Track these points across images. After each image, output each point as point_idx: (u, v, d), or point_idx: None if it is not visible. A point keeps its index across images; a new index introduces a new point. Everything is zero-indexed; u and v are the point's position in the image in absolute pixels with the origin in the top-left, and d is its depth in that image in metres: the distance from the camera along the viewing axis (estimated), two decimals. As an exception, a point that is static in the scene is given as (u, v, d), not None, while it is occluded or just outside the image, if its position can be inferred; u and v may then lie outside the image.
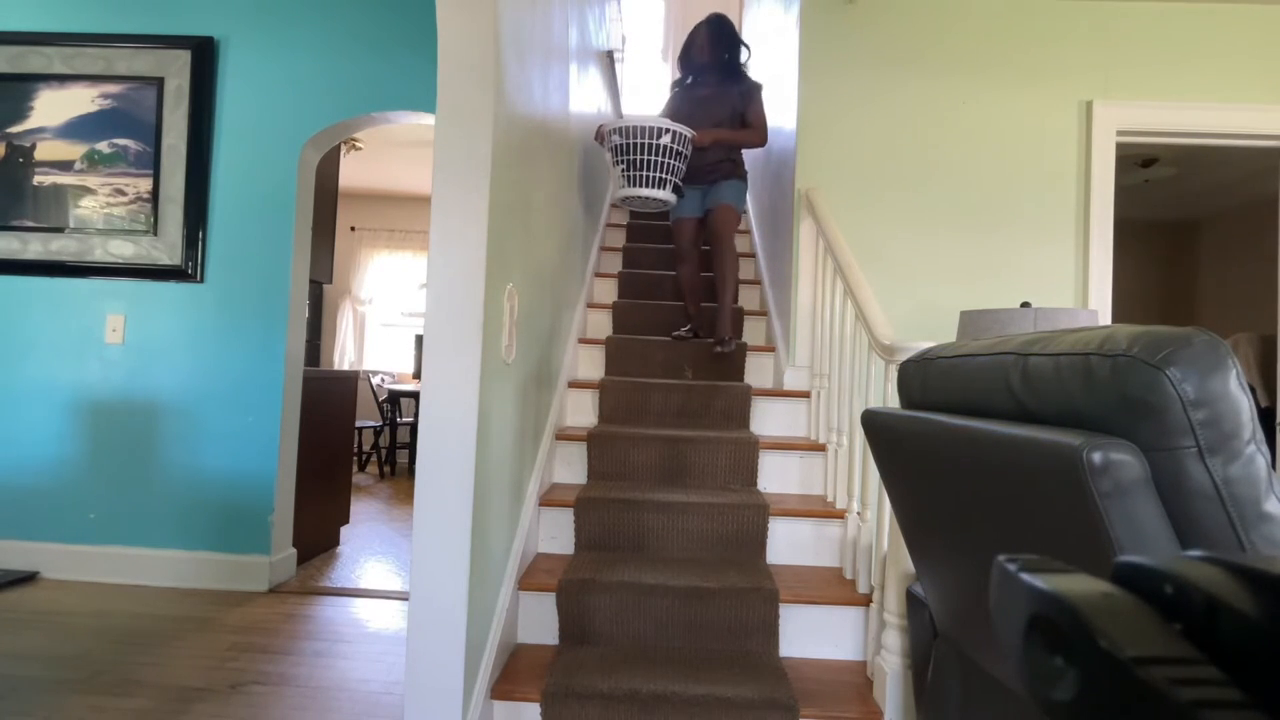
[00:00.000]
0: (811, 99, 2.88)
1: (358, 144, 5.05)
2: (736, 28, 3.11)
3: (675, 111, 3.04)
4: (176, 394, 2.81)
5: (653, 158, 2.69)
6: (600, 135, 2.80)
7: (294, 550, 2.94)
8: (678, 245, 3.06)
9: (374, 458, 5.99)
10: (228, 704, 1.84)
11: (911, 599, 1.54)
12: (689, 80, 3.11)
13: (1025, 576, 0.24)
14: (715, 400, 2.76)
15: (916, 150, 2.87)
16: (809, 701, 1.70)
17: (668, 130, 2.67)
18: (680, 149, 2.73)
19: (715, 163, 2.96)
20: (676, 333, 3.18)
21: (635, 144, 2.69)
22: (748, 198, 4.05)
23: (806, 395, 2.78)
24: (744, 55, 3.07)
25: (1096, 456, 0.76)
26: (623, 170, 2.75)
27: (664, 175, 2.74)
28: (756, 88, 2.94)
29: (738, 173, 3.01)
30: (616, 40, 4.56)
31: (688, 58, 3.10)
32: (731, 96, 2.95)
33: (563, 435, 2.54)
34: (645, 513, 2.20)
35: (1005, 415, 0.98)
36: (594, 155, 3.63)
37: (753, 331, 3.48)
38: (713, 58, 3.03)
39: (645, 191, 2.73)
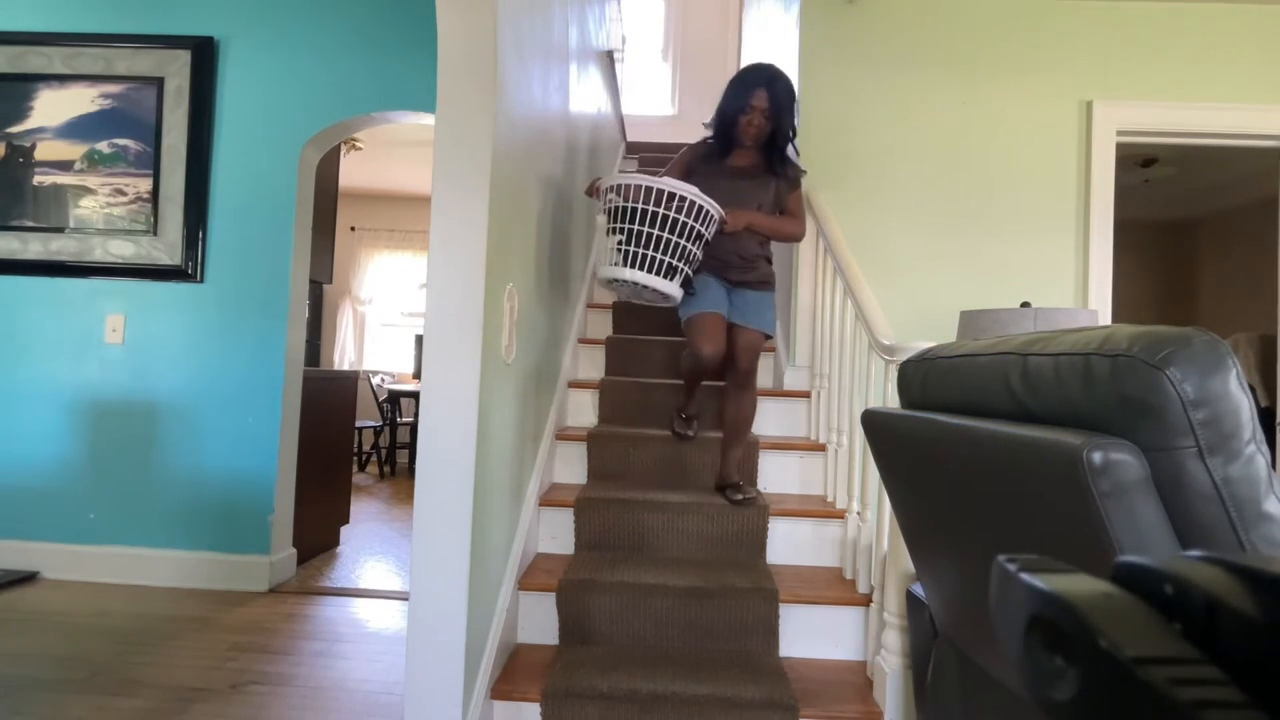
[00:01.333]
0: (811, 99, 2.88)
1: (358, 144, 5.05)
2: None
3: (705, 187, 2.11)
4: (176, 394, 2.81)
5: (665, 234, 1.94)
6: (595, 190, 2.11)
7: (294, 550, 2.94)
8: (695, 347, 2.15)
9: (374, 458, 5.99)
10: (228, 704, 1.83)
11: (911, 599, 1.54)
12: (724, 150, 2.27)
13: (1025, 576, 0.24)
14: (715, 400, 2.76)
15: (916, 150, 2.87)
16: (809, 701, 1.70)
17: (693, 203, 1.93)
18: (703, 229, 1.99)
19: (752, 258, 2.25)
20: (678, 430, 2.52)
21: (643, 211, 1.94)
22: None
23: (806, 395, 2.78)
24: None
25: (1096, 456, 0.76)
26: (619, 243, 1.98)
27: (675, 261, 1.98)
28: (801, 175, 2.31)
29: (772, 281, 2.32)
30: (616, 40, 4.57)
31: (732, 122, 2.20)
32: (775, 183, 2.25)
33: (563, 435, 2.54)
34: (645, 513, 2.20)
35: (1005, 415, 0.98)
36: (594, 155, 3.63)
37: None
38: (768, 129, 2.21)
39: (645, 278, 1.96)
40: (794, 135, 2.24)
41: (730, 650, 1.92)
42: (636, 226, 1.95)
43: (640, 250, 1.95)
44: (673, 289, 2.01)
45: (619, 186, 1.97)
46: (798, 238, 2.30)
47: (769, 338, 2.26)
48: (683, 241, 1.96)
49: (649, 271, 1.95)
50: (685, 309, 2.20)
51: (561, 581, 1.95)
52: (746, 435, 2.37)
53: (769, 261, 2.31)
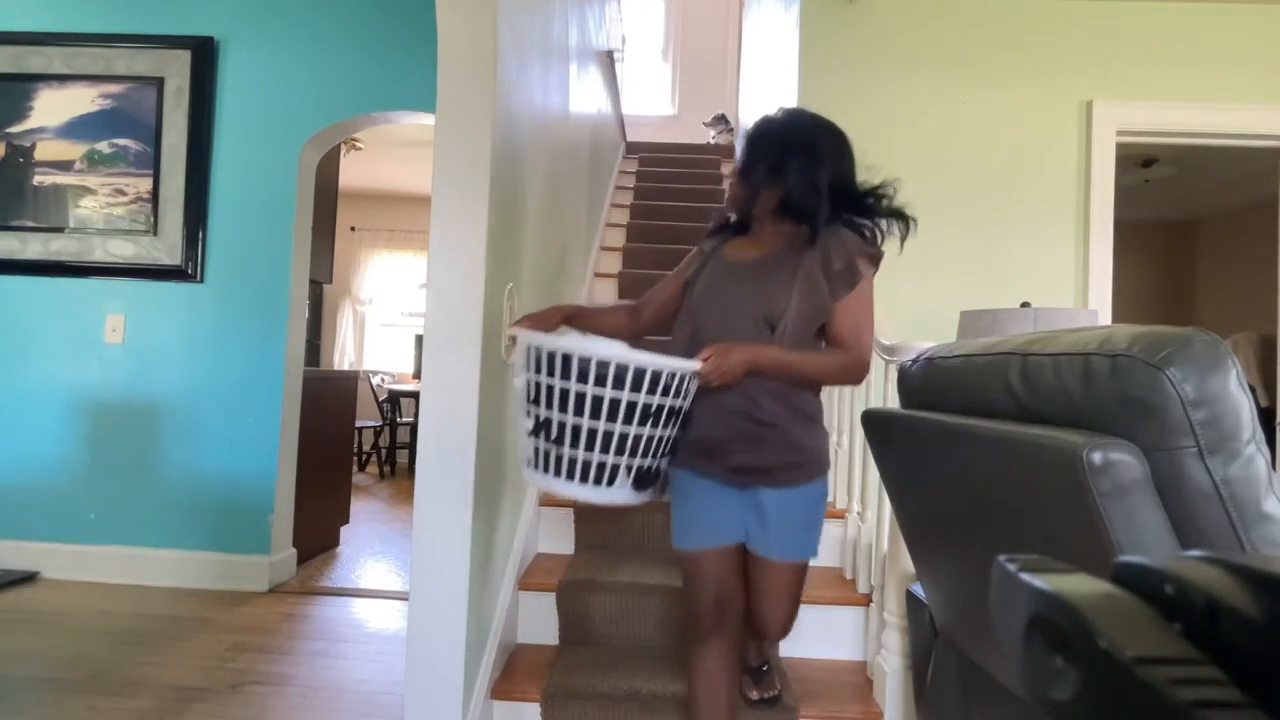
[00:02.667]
0: (811, 98, 2.88)
1: (358, 144, 5.05)
2: (824, 135, 1.41)
3: (703, 288, 1.39)
4: (176, 394, 2.81)
5: (596, 424, 1.19)
6: (515, 345, 1.33)
7: (294, 550, 2.94)
8: (691, 604, 1.39)
9: (374, 458, 5.99)
10: (228, 704, 1.83)
11: (911, 599, 1.54)
12: (739, 231, 1.46)
13: (1025, 576, 0.24)
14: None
15: (916, 150, 2.87)
16: (809, 701, 1.70)
17: (628, 368, 1.17)
18: (672, 403, 1.22)
19: (769, 422, 1.30)
20: (750, 696, 1.69)
21: (564, 390, 1.20)
22: None
23: (806, 395, 2.77)
24: (827, 177, 1.35)
25: (1096, 456, 0.76)
26: (541, 436, 1.24)
27: (613, 457, 1.22)
28: (866, 256, 1.33)
29: (820, 467, 1.37)
30: (616, 40, 4.57)
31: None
32: (808, 270, 1.32)
33: (563, 435, 2.53)
34: (646, 512, 2.20)
35: (1005, 415, 0.98)
36: (594, 155, 3.63)
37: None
38: (751, 196, 1.37)
39: (565, 486, 1.24)
40: (850, 197, 1.36)
41: (730, 650, 1.92)
42: (542, 412, 1.19)
43: (546, 446, 1.19)
44: (619, 495, 1.23)
45: (538, 351, 1.20)
46: (848, 377, 1.33)
47: (806, 560, 1.37)
48: (623, 429, 1.15)
49: (569, 479, 1.20)
50: (674, 534, 1.38)
51: (561, 581, 1.95)
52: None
53: (811, 419, 1.34)
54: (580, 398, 1.17)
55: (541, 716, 1.68)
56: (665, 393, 1.20)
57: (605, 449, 1.21)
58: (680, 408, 1.24)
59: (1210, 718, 0.18)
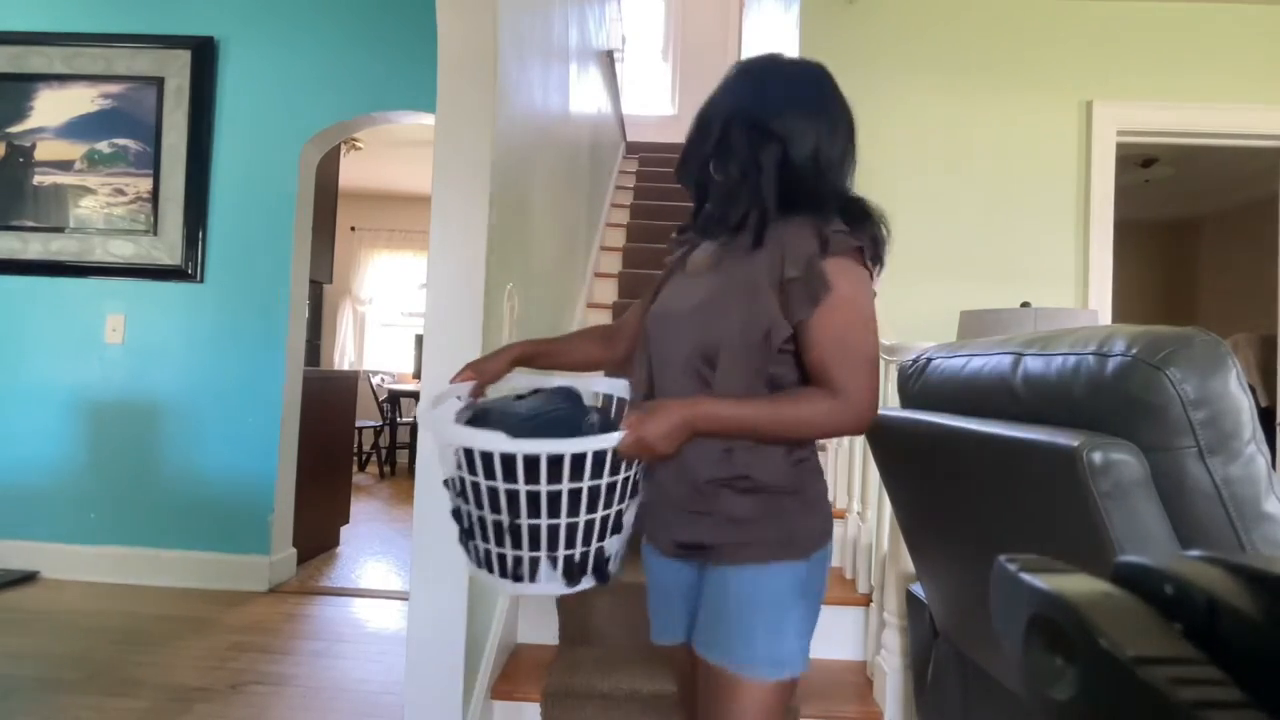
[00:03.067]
0: (811, 99, 2.88)
1: (358, 144, 5.05)
2: (789, 77, 1.04)
3: (655, 311, 1.06)
4: (176, 394, 2.81)
5: (499, 517, 0.93)
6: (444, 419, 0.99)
7: (294, 550, 2.94)
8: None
9: (374, 458, 5.99)
10: (228, 704, 1.83)
11: (911, 599, 1.54)
12: (691, 233, 1.12)
13: (1025, 576, 0.24)
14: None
15: (916, 150, 2.87)
16: (809, 701, 1.70)
17: (529, 459, 0.89)
18: (592, 484, 0.92)
19: (712, 489, 0.97)
20: None
21: (461, 477, 0.95)
22: None
23: (806, 395, 2.77)
24: (805, 146, 0.98)
25: (1097, 456, 0.76)
26: (455, 521, 1.00)
27: (535, 552, 0.95)
28: (831, 250, 0.92)
29: (787, 544, 0.97)
30: (616, 40, 4.57)
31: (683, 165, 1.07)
32: (749, 280, 0.95)
33: (563, 435, 2.53)
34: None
35: (1005, 415, 0.98)
36: (595, 155, 3.63)
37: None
38: (720, 162, 1.01)
39: (492, 580, 0.99)
40: (814, 174, 0.98)
41: (730, 650, 1.92)
42: (451, 497, 0.99)
43: (461, 534, 1.00)
44: (549, 588, 0.98)
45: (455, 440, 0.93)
46: (835, 427, 0.93)
47: (782, 682, 0.95)
48: (531, 522, 0.93)
49: (488, 570, 0.98)
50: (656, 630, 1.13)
51: (561, 581, 1.95)
52: None
53: (779, 491, 0.96)
54: (475, 487, 0.93)
55: (541, 716, 1.68)
56: (579, 476, 0.91)
57: (516, 543, 0.95)
58: (616, 484, 0.94)
59: (1210, 718, 0.18)
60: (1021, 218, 2.85)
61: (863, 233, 0.94)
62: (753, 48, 4.71)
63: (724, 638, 0.96)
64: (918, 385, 1.25)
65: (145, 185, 2.83)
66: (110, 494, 2.81)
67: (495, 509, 0.93)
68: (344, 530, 3.50)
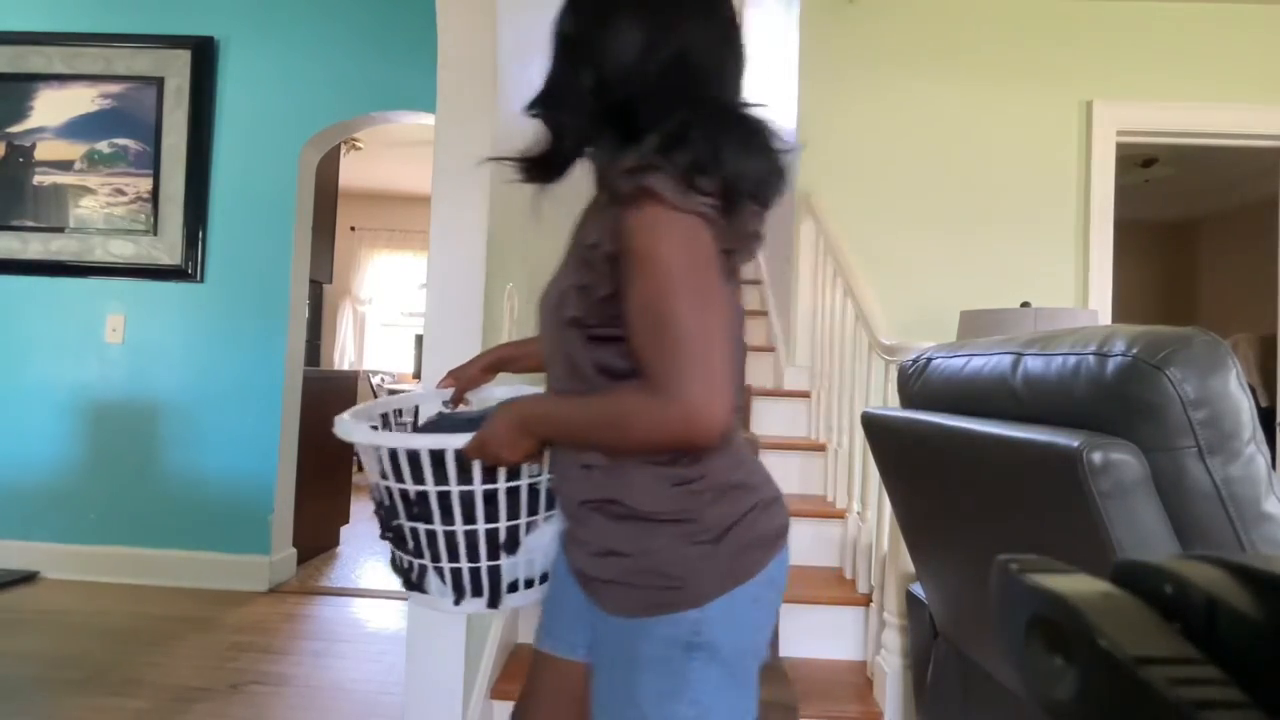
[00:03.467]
0: (811, 99, 2.88)
1: (358, 144, 5.05)
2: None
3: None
4: (176, 394, 2.81)
5: (401, 519, 0.91)
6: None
7: (294, 550, 2.94)
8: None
9: (374, 458, 6.00)
10: (228, 704, 1.83)
11: (911, 599, 1.54)
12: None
13: (1025, 576, 0.24)
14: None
15: (916, 150, 2.87)
16: (809, 701, 1.70)
17: (390, 453, 0.87)
18: (463, 489, 0.86)
19: (593, 544, 0.79)
20: None
21: (377, 485, 0.93)
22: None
23: (806, 395, 2.78)
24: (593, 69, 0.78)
25: (1096, 456, 0.76)
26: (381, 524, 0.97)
27: (421, 559, 0.91)
28: (632, 188, 0.67)
29: (680, 588, 0.73)
30: (616, 40, 4.55)
31: None
32: (576, 245, 0.82)
33: (563, 435, 2.53)
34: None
35: (1005, 415, 0.98)
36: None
37: (753, 331, 3.47)
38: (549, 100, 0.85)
39: (408, 591, 0.96)
40: (629, 90, 0.75)
41: (730, 650, 1.92)
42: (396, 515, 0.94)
43: (401, 553, 0.94)
44: (439, 602, 0.92)
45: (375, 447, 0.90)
46: (644, 435, 0.69)
47: None
48: (410, 524, 0.89)
49: (393, 571, 0.98)
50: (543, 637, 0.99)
51: (561, 581, 1.95)
52: None
53: (645, 518, 0.75)
54: (375, 486, 0.92)
55: (541, 716, 1.68)
56: (443, 479, 0.84)
57: (402, 545, 0.91)
58: (495, 494, 0.86)
59: (1210, 718, 0.18)
60: (1022, 218, 2.85)
61: (672, 160, 0.66)
62: (753, 47, 4.71)
63: (599, 696, 0.78)
64: (918, 385, 1.25)
65: (145, 185, 2.83)
66: (110, 494, 2.81)
67: (391, 510, 0.91)
68: (344, 530, 3.50)
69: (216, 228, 2.83)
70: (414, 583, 0.93)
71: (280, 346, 2.80)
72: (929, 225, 2.87)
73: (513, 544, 0.90)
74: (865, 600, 1.96)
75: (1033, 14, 2.87)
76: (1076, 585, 0.23)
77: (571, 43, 0.80)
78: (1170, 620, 0.22)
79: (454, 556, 0.89)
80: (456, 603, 0.91)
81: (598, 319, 0.73)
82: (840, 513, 2.23)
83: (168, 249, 2.82)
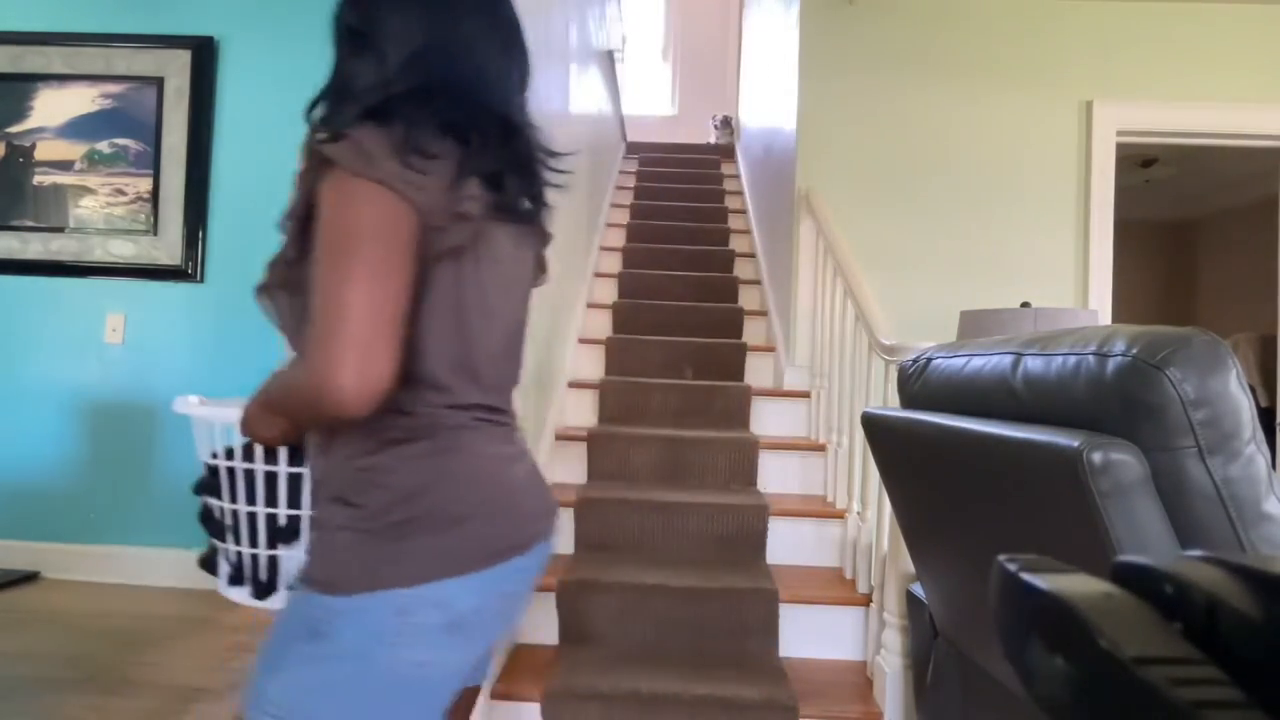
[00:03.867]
0: (811, 99, 2.88)
1: (358, 144, 5.05)
2: None
3: None
4: (176, 394, 2.80)
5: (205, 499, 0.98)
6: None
7: (294, 550, 2.94)
8: None
9: (374, 458, 6.00)
10: (228, 704, 1.83)
11: (911, 599, 1.54)
12: None
13: (1025, 576, 0.24)
14: (715, 400, 2.76)
15: (917, 150, 2.87)
16: (809, 701, 1.70)
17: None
18: (246, 465, 0.93)
19: (314, 488, 0.78)
20: None
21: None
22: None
23: (806, 395, 2.78)
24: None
25: (1096, 456, 0.76)
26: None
27: (224, 539, 0.94)
28: (312, 157, 0.69)
29: (328, 571, 0.70)
30: (616, 40, 4.56)
31: None
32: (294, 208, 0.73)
33: (563, 435, 2.54)
34: (645, 513, 2.20)
35: (1005, 415, 0.98)
36: (595, 155, 3.63)
37: (753, 331, 3.47)
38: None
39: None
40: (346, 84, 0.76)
41: (730, 651, 1.92)
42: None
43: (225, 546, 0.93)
44: (219, 586, 0.94)
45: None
46: (302, 407, 0.70)
47: None
48: (211, 501, 0.89)
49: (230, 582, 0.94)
50: None
51: (561, 581, 1.95)
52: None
53: (338, 502, 0.72)
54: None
55: (541, 717, 1.68)
56: (249, 457, 0.85)
57: (207, 522, 0.90)
58: (276, 477, 0.84)
59: (1210, 718, 0.18)
60: (1021, 218, 2.85)
61: (367, 130, 0.66)
62: (753, 47, 4.71)
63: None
64: (918, 385, 1.25)
65: (145, 185, 2.83)
66: (110, 494, 2.81)
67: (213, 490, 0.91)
68: (344, 530, 3.50)
69: (216, 228, 2.83)
70: (206, 563, 0.92)
71: (281, 346, 2.80)
72: (929, 225, 2.87)
73: (292, 534, 0.88)
74: (865, 600, 1.96)
75: (1032, 14, 2.87)
76: (1076, 585, 0.23)
77: (355, 34, 0.76)
78: (1170, 620, 0.22)
79: (238, 540, 0.88)
80: (228, 589, 0.90)
81: (290, 300, 0.75)
82: (840, 513, 2.23)
83: (168, 249, 2.82)
